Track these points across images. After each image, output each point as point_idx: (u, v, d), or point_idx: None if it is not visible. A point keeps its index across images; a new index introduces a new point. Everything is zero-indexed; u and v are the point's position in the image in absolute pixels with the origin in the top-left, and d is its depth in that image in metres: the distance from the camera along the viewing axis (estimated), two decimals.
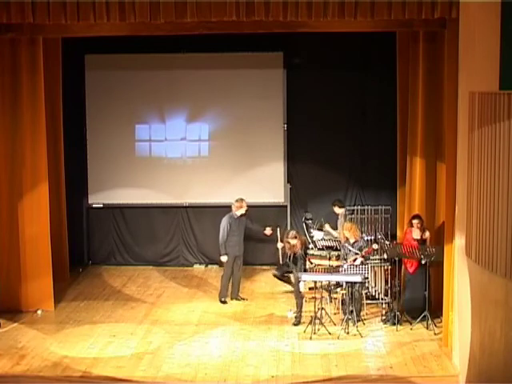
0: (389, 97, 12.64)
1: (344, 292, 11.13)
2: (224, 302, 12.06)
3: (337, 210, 12.70)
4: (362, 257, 11.02)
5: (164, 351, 10.03)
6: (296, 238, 11.31)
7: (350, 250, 11.08)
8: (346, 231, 11.25)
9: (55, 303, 11.77)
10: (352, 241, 11.17)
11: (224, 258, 12.11)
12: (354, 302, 10.81)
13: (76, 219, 14.16)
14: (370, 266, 11.08)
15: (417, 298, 10.78)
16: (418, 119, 11.21)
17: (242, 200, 12.23)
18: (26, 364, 9.57)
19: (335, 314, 11.31)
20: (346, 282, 10.92)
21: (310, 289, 11.38)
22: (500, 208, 7.23)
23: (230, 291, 12.25)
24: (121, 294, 12.75)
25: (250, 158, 14.23)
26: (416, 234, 10.99)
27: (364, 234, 11.87)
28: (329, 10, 9.34)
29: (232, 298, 12.19)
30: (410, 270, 10.96)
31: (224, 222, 12.11)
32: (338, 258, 11.56)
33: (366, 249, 11.19)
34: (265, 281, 13.10)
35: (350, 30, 10.38)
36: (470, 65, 8.84)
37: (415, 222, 11.01)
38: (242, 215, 12.19)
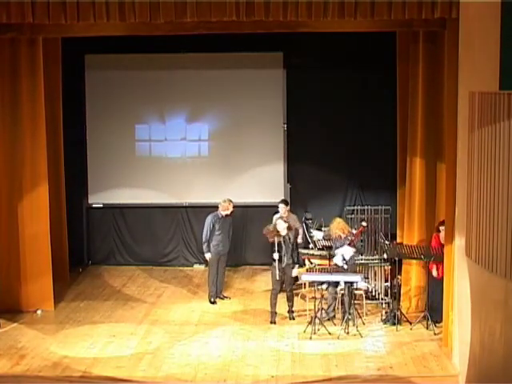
0: (389, 97, 12.64)
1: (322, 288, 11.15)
2: (213, 303, 12.06)
3: (283, 208, 12.42)
4: (352, 242, 11.00)
5: (164, 351, 10.03)
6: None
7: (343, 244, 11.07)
8: (336, 229, 11.23)
9: (55, 303, 11.77)
10: (343, 236, 11.19)
11: (208, 255, 12.12)
12: (349, 302, 10.81)
13: (76, 219, 14.16)
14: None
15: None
16: (417, 119, 11.20)
17: (230, 201, 12.20)
18: (25, 364, 9.57)
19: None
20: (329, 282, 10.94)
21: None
22: (500, 208, 7.23)
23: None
24: (121, 294, 12.75)
25: (249, 158, 14.23)
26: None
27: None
28: (329, 10, 9.34)
29: (216, 297, 12.19)
30: (439, 275, 10.62)
31: (208, 221, 12.12)
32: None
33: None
34: (265, 281, 13.06)
35: (349, 30, 10.38)
36: (470, 65, 8.85)
37: (443, 228, 10.58)
38: (226, 215, 12.19)
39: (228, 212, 12.17)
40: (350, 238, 11.13)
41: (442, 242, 10.60)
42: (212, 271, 12.17)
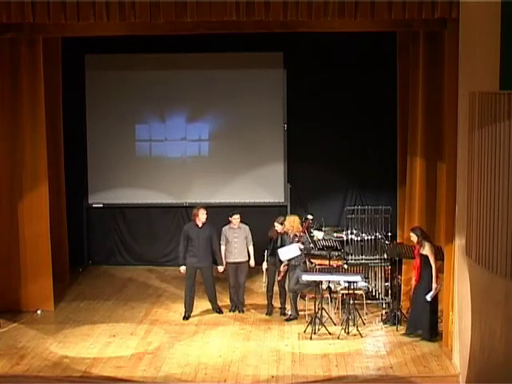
0: (389, 97, 12.64)
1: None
2: (186, 318, 11.30)
3: (237, 218, 11.76)
4: (299, 240, 11.07)
5: (164, 351, 10.03)
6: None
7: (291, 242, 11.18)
8: (289, 223, 11.25)
9: (55, 303, 11.77)
10: (292, 235, 11.22)
11: (182, 269, 11.43)
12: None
13: (76, 219, 14.15)
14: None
15: (417, 315, 10.34)
16: (418, 119, 11.20)
17: (198, 208, 11.50)
18: (25, 364, 9.57)
19: (335, 313, 11.33)
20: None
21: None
22: (500, 208, 7.23)
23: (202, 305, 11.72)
24: (121, 294, 12.75)
25: (250, 158, 14.24)
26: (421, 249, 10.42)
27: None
28: (329, 9, 9.35)
29: (213, 310, 11.59)
30: (414, 282, 10.53)
31: (183, 231, 11.53)
32: (338, 257, 11.57)
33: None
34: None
35: (350, 29, 10.39)
36: (470, 65, 8.85)
37: (411, 234, 10.55)
38: (203, 224, 11.39)
39: (200, 221, 11.38)
40: (297, 234, 11.22)
41: (421, 251, 10.33)
42: (187, 285, 11.40)
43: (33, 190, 11.42)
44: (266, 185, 14.29)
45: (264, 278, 11.67)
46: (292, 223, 11.31)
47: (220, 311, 11.62)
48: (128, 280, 13.59)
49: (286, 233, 11.31)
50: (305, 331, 10.62)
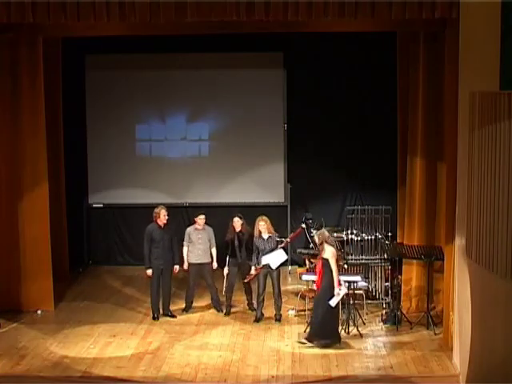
0: (389, 97, 12.63)
1: None
2: (155, 319, 11.22)
3: (202, 219, 11.61)
4: (286, 244, 11.13)
5: (164, 351, 10.03)
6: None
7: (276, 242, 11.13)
8: (263, 224, 11.14)
9: (55, 303, 11.77)
10: (266, 236, 11.18)
11: (148, 272, 11.24)
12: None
13: (76, 219, 14.15)
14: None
15: (321, 322, 10.00)
16: (418, 119, 11.20)
17: (159, 208, 11.29)
18: (26, 364, 9.56)
19: None
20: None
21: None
22: (500, 208, 7.23)
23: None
24: (121, 293, 12.75)
25: (250, 158, 14.24)
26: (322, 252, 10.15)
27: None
28: (329, 9, 9.35)
29: (164, 314, 11.33)
30: (315, 287, 10.36)
31: (145, 233, 11.27)
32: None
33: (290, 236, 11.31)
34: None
35: (350, 29, 10.41)
36: (471, 65, 8.86)
37: (316, 235, 10.42)
38: (165, 225, 11.26)
39: (162, 222, 11.20)
40: (281, 239, 11.16)
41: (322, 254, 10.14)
42: (153, 287, 11.30)
43: (33, 190, 11.42)
44: (266, 185, 14.29)
45: (224, 282, 11.61)
46: (265, 224, 11.16)
47: (172, 315, 11.34)
48: (128, 280, 13.58)
49: (251, 233, 11.23)
50: (305, 331, 10.62)
